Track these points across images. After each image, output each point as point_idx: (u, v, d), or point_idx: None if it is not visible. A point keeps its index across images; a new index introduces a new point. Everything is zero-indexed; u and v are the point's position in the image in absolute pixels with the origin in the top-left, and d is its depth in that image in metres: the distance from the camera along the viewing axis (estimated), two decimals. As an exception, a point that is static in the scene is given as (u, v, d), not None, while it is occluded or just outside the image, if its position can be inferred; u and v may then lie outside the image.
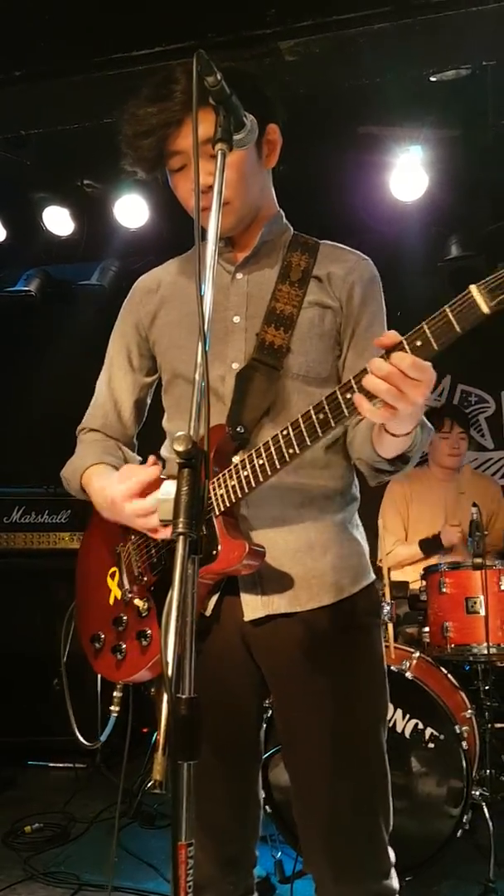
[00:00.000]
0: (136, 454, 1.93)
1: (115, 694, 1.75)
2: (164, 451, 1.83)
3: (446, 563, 3.46)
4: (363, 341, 1.72)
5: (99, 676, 1.76)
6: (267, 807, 2.94)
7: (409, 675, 2.92)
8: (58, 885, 3.02)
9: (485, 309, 1.20)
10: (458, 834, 2.81)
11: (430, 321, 1.26)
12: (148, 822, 3.59)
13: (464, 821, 2.81)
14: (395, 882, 1.67)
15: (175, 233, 4.56)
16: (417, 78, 3.23)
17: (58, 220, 4.82)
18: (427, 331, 1.26)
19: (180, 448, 1.10)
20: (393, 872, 1.68)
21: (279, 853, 2.93)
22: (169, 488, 1.15)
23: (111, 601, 1.76)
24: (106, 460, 1.80)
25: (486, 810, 3.00)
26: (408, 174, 4.17)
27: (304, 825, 1.71)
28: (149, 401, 1.94)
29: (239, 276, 1.73)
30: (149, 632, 1.64)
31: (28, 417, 5.41)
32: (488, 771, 3.11)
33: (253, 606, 1.65)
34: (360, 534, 1.79)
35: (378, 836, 1.66)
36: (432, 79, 3.30)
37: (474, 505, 3.41)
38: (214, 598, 1.66)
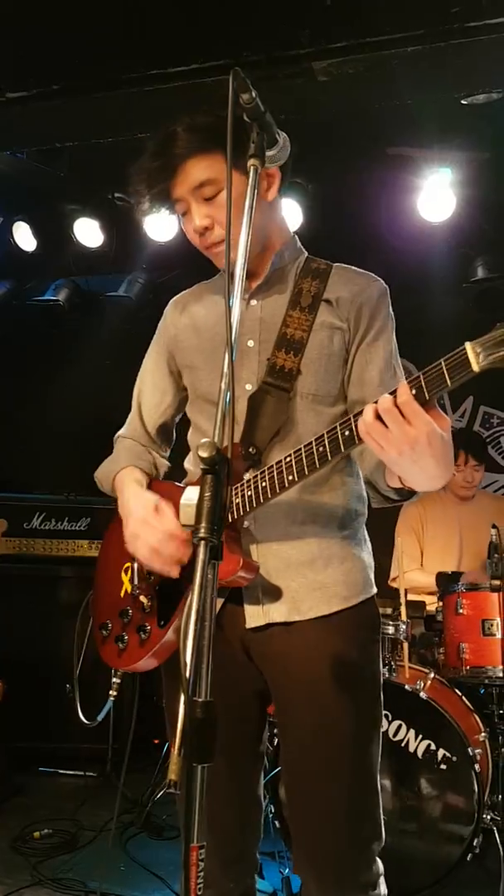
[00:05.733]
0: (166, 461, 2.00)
1: (113, 680, 1.84)
2: (187, 464, 1.91)
3: (464, 584, 3.44)
4: (369, 352, 1.75)
5: (112, 681, 1.84)
6: (276, 822, 2.93)
7: (423, 695, 2.91)
8: (65, 891, 3.02)
9: (475, 367, 1.21)
10: (468, 858, 2.79)
11: (426, 371, 1.27)
12: (156, 833, 3.58)
13: (474, 845, 2.79)
14: (382, 889, 1.68)
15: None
16: (448, 101, 3.25)
17: (88, 232, 4.88)
18: (422, 379, 1.27)
19: (205, 454, 1.13)
20: (381, 882, 1.69)
21: (287, 870, 2.91)
22: (191, 494, 1.17)
23: (122, 594, 1.86)
24: (137, 464, 1.90)
25: (496, 835, 2.97)
26: (436, 195, 4.20)
27: (294, 830, 1.76)
28: (177, 418, 2.00)
29: (253, 302, 1.79)
30: (148, 627, 1.74)
31: (51, 425, 5.45)
32: (500, 795, 3.08)
33: (254, 615, 1.70)
34: (365, 549, 1.81)
35: (364, 846, 1.68)
36: (463, 102, 3.32)
37: (494, 527, 3.39)
38: (218, 606, 1.69)
